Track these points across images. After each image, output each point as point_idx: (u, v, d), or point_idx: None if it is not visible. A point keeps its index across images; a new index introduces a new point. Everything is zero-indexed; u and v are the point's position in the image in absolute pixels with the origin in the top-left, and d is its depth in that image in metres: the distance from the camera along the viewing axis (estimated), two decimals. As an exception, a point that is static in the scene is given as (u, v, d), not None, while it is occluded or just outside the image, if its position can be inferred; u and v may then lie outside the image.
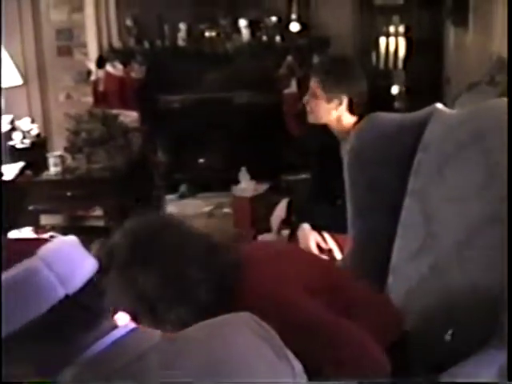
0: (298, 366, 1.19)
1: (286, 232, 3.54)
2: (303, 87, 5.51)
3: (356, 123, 2.91)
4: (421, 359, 1.84)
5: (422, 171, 2.23)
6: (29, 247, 1.13)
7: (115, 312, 1.23)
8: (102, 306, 1.17)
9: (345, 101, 2.97)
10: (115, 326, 1.16)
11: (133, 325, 1.18)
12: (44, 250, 1.12)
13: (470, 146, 2.04)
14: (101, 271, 1.19)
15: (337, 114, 3.00)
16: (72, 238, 1.19)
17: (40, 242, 1.14)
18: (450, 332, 1.74)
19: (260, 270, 1.76)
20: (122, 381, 1.08)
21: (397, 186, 2.26)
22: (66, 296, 1.09)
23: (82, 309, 1.12)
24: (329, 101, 2.98)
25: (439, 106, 2.35)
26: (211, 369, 1.11)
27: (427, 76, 5.91)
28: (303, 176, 4.74)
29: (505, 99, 2.08)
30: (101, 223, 4.90)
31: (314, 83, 3.02)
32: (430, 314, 1.90)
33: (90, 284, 1.14)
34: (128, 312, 1.52)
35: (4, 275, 1.08)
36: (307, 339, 1.62)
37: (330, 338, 1.66)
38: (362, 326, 1.70)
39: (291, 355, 1.20)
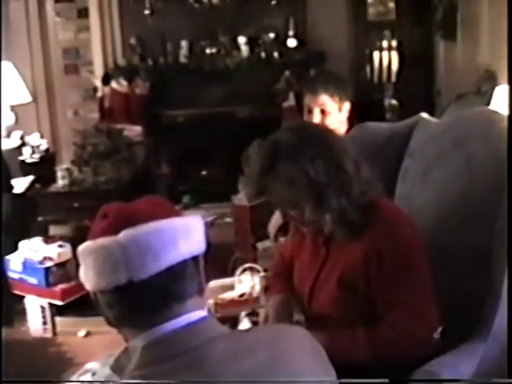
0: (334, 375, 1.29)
1: (282, 239, 3.67)
2: (302, 101, 5.66)
3: (347, 131, 2.98)
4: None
5: (408, 177, 2.32)
6: (112, 230, 1.16)
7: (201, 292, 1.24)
8: (177, 291, 1.17)
9: (348, 108, 3.06)
10: (187, 312, 1.17)
11: (205, 313, 1.19)
12: (126, 234, 1.14)
13: (452, 151, 2.13)
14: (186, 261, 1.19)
15: (344, 122, 3.04)
16: (162, 227, 1.17)
17: (126, 223, 1.16)
18: (439, 330, 1.78)
19: (390, 205, 2.00)
20: (189, 362, 1.10)
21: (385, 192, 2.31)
22: (130, 281, 1.13)
23: (151, 292, 1.15)
24: (340, 110, 3.03)
25: (424, 115, 2.45)
26: (271, 371, 1.14)
27: (419, 88, 6.01)
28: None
29: (486, 107, 2.17)
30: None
31: (319, 99, 2.99)
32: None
33: (168, 271, 1.15)
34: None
35: (86, 244, 1.18)
36: (399, 275, 1.79)
37: (413, 293, 1.79)
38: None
39: (332, 370, 1.27)
